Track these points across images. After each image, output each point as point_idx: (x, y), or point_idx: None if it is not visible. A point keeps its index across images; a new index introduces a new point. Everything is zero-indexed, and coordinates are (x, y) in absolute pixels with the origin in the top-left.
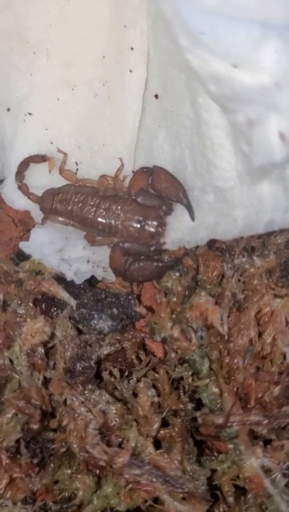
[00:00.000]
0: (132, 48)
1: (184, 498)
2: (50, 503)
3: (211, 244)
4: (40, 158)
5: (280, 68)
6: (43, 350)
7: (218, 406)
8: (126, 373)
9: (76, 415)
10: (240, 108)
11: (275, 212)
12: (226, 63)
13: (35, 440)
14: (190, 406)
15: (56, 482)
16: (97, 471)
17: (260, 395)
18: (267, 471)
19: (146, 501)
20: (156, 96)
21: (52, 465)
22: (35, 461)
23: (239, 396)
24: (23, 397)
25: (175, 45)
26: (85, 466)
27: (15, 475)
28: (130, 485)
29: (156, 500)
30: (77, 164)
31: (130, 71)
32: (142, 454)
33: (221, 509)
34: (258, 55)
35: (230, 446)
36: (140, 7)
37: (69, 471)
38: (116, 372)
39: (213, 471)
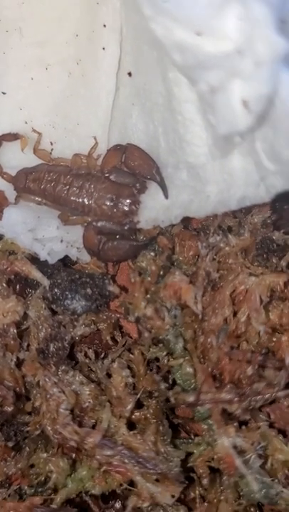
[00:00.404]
0: (104, 25)
1: (157, 480)
2: (26, 487)
3: (187, 223)
4: (13, 137)
5: (243, 35)
6: (15, 331)
7: (192, 386)
8: (102, 355)
9: (48, 396)
10: (203, 75)
11: (247, 187)
12: (189, 31)
13: (9, 423)
14: (163, 386)
15: (32, 466)
16: (73, 455)
17: (233, 374)
18: (241, 452)
19: (121, 485)
20: (129, 74)
21: (27, 449)
22: (10, 444)
23: (213, 376)
24: None
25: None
26: (60, 449)
27: None
28: (104, 467)
29: (131, 484)
30: (52, 144)
31: (103, 49)
32: (115, 436)
33: (197, 492)
34: (221, 22)
35: (204, 427)
36: None
37: (45, 455)
38: (91, 353)
39: (190, 454)
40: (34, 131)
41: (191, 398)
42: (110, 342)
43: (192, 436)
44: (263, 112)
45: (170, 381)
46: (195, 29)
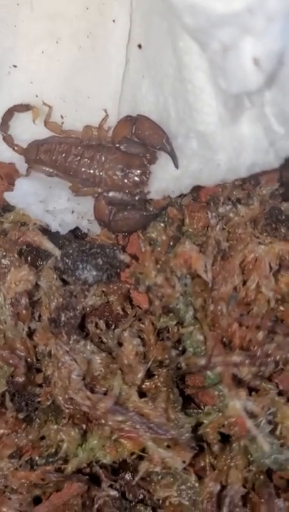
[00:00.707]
0: None
1: (168, 446)
2: (37, 458)
3: (196, 195)
4: (24, 107)
5: None
6: (27, 300)
7: (202, 353)
8: (112, 326)
9: (60, 364)
10: (215, 34)
11: (257, 153)
12: None
13: (20, 394)
14: (174, 353)
15: (43, 438)
16: (83, 426)
17: (243, 340)
18: (251, 416)
19: (132, 454)
20: (139, 46)
21: (38, 420)
22: (21, 416)
23: (223, 343)
24: (7, 347)
25: None
26: (71, 419)
27: (1, 431)
28: (115, 435)
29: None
30: (62, 117)
31: (113, 21)
32: (126, 403)
33: (207, 460)
34: None
35: (215, 393)
36: None
37: (55, 427)
38: (102, 324)
39: (200, 424)
40: (45, 104)
41: (202, 361)
42: (121, 312)
43: (202, 407)
44: (273, 70)
45: (180, 350)
46: None
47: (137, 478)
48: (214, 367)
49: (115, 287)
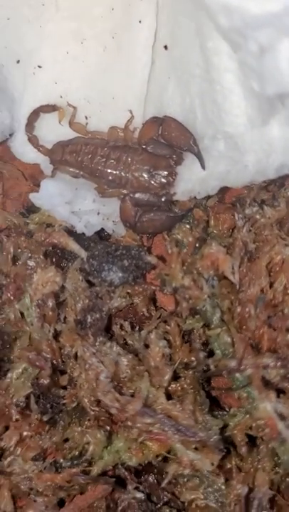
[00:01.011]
0: None
1: (196, 448)
2: (61, 460)
3: (221, 197)
4: (51, 108)
5: None
6: (54, 302)
7: (230, 355)
8: (136, 328)
9: (87, 366)
10: (252, 36)
11: (286, 155)
12: None
13: (45, 396)
14: (202, 354)
15: (66, 441)
16: (108, 428)
17: (272, 342)
18: (281, 418)
19: (157, 456)
20: (165, 47)
21: (62, 423)
22: (46, 418)
23: (251, 345)
24: (33, 349)
25: None
26: (96, 421)
27: (25, 433)
28: (142, 437)
29: (166, 458)
30: (86, 118)
31: (139, 22)
32: (153, 405)
33: (233, 462)
34: None
35: (244, 394)
36: None
37: (79, 429)
38: (127, 325)
39: (225, 426)
40: (69, 105)
41: (232, 364)
42: (146, 314)
43: (227, 409)
44: None
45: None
46: None
47: (166, 481)
48: (245, 369)
49: (140, 289)
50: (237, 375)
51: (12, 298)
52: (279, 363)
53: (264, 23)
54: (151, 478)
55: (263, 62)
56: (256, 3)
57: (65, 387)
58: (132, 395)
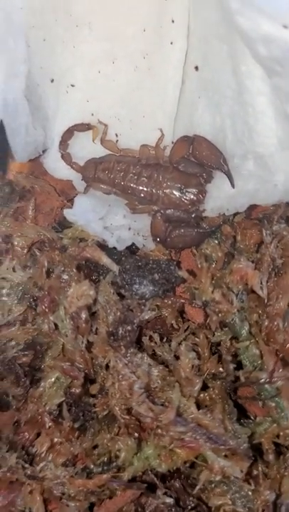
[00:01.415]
0: (172, 21)
1: (226, 456)
2: (91, 465)
3: (248, 214)
4: (85, 127)
5: None
6: (87, 314)
7: (259, 367)
8: (164, 339)
9: (120, 377)
10: None
11: None
12: (276, 24)
13: (77, 404)
14: (232, 366)
15: (95, 447)
16: (137, 435)
17: None
18: None
19: (185, 462)
20: (196, 68)
21: (92, 430)
22: (77, 425)
23: (279, 357)
24: (67, 359)
25: (220, 13)
26: (126, 429)
27: (56, 439)
28: (172, 445)
29: (193, 464)
30: (117, 136)
31: (171, 43)
32: (184, 414)
33: (260, 468)
34: None
35: (272, 404)
36: None
37: (108, 436)
38: (156, 337)
39: (252, 434)
40: (100, 122)
41: (264, 376)
42: (176, 326)
43: (252, 418)
44: None
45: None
46: (282, 22)
47: (198, 487)
48: (276, 381)
49: (170, 301)
50: (266, 386)
51: (47, 310)
52: None
53: None
54: (177, 484)
55: None
56: None
57: (94, 395)
58: (162, 404)
